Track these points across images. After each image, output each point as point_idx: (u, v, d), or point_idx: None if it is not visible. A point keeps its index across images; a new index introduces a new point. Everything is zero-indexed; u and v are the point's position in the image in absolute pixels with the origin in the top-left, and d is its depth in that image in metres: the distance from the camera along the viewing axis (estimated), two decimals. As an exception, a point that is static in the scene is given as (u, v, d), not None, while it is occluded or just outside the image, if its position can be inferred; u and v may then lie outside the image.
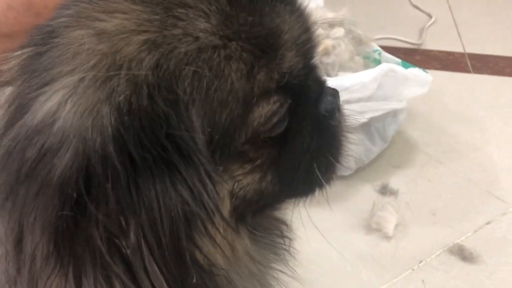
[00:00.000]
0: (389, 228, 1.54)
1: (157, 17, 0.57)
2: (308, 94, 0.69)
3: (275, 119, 0.63)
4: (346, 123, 0.78)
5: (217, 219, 0.59)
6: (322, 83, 0.74)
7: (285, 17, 0.63)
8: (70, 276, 0.51)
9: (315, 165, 0.71)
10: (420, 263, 1.47)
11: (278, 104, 0.62)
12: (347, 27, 1.78)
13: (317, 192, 0.77)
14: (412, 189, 1.70)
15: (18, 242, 0.54)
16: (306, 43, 0.66)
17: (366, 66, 1.82)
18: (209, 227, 0.58)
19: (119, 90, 0.53)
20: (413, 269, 1.46)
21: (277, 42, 0.61)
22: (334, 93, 0.74)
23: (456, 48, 2.40)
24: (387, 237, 1.54)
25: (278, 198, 0.75)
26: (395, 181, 1.72)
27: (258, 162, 0.65)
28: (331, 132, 0.74)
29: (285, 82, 0.62)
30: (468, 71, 2.26)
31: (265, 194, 0.68)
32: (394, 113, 1.71)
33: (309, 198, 0.78)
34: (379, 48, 1.88)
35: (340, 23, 1.76)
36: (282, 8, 0.63)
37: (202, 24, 0.57)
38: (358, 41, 1.82)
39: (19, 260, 0.54)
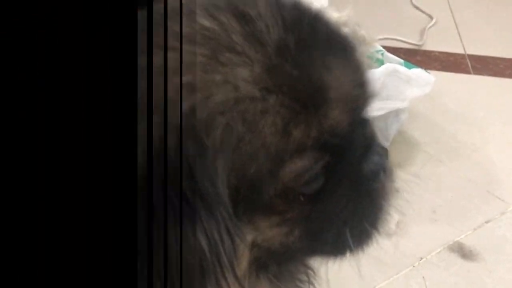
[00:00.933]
0: (390, 226, 1.56)
1: (202, 59, 0.54)
2: (350, 152, 0.63)
3: (307, 176, 0.58)
4: (392, 185, 0.72)
5: (230, 277, 0.56)
6: (370, 140, 0.68)
7: (336, 72, 0.58)
8: None
9: (347, 230, 0.66)
10: (420, 260, 1.49)
11: (312, 160, 0.57)
12: (351, 27, 1.79)
13: (347, 256, 0.70)
14: (412, 188, 1.71)
15: None
16: (356, 99, 0.61)
17: (368, 66, 1.83)
18: (222, 282, 0.55)
19: (153, 132, 0.50)
20: (413, 266, 1.48)
21: (321, 100, 0.56)
22: (382, 152, 0.69)
23: (456, 49, 2.41)
24: (388, 234, 1.54)
25: (305, 253, 0.71)
26: (396, 179, 1.72)
27: (287, 216, 0.61)
28: (372, 196, 0.68)
29: (323, 140, 0.57)
30: (468, 72, 2.27)
31: (291, 248, 0.64)
32: (396, 113, 1.72)
33: (338, 259, 0.72)
34: (382, 49, 1.90)
35: (345, 23, 1.77)
36: (335, 62, 0.58)
37: (244, 73, 0.54)
38: (361, 41, 1.83)
39: None
